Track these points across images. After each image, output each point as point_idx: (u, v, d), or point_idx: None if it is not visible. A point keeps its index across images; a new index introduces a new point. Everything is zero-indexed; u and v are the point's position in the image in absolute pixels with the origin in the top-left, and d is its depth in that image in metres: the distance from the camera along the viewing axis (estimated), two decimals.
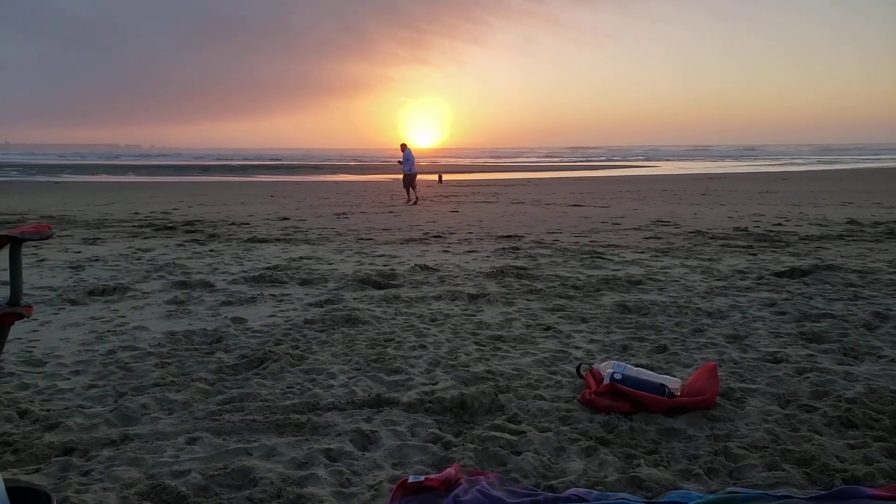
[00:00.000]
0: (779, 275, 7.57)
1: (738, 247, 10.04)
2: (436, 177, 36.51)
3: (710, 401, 3.63)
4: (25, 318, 2.19)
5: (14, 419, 3.53)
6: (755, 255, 9.23)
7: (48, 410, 3.66)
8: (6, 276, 2.42)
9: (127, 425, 3.49)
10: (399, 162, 22.05)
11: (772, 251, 9.53)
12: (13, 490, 2.14)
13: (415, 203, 20.80)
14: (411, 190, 21.70)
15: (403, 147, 22.06)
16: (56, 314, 5.97)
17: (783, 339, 5.00)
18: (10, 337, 4.89)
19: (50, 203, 21.22)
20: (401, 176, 22.22)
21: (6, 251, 2.28)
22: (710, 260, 8.81)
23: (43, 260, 8.98)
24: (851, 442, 3.20)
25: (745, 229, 12.30)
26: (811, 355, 4.58)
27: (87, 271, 8.16)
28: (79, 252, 9.83)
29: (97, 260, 9.07)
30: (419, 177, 23.10)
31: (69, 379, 4.22)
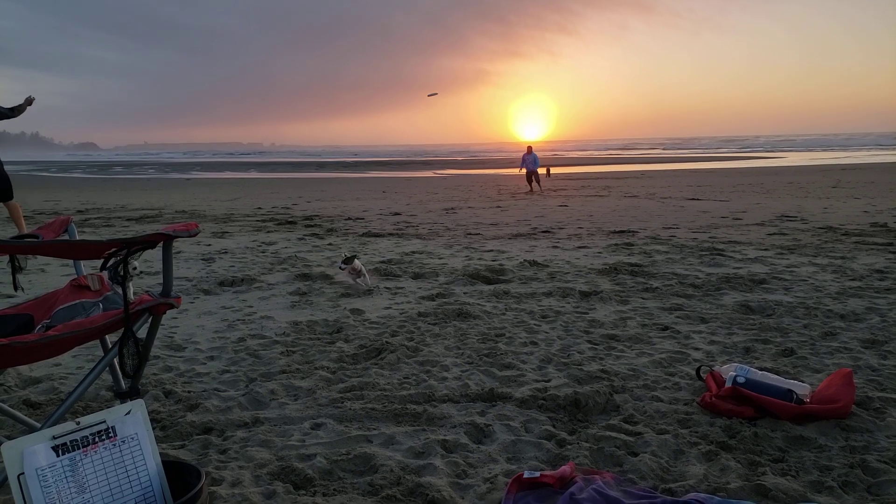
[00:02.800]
0: None
1: (876, 244, 9.28)
2: (543, 170, 35.89)
3: (845, 409, 3.41)
4: (175, 308, 2.41)
5: (161, 398, 3.88)
6: (895, 253, 8.50)
7: (189, 392, 3.99)
8: (149, 267, 2.67)
9: (257, 409, 3.74)
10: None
11: None
12: (168, 464, 2.36)
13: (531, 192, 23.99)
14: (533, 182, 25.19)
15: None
16: (192, 303, 6.46)
17: None
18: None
19: (182, 199, 22.91)
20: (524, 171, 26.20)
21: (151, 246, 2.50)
22: (842, 258, 8.21)
23: (178, 252, 9.72)
24: None
25: (884, 225, 11.34)
26: None
27: (217, 263, 8.76)
28: (209, 245, 10.56)
29: (226, 252, 9.71)
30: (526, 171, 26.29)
31: (205, 364, 4.58)
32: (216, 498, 2.70)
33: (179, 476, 2.34)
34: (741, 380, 3.59)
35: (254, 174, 49.63)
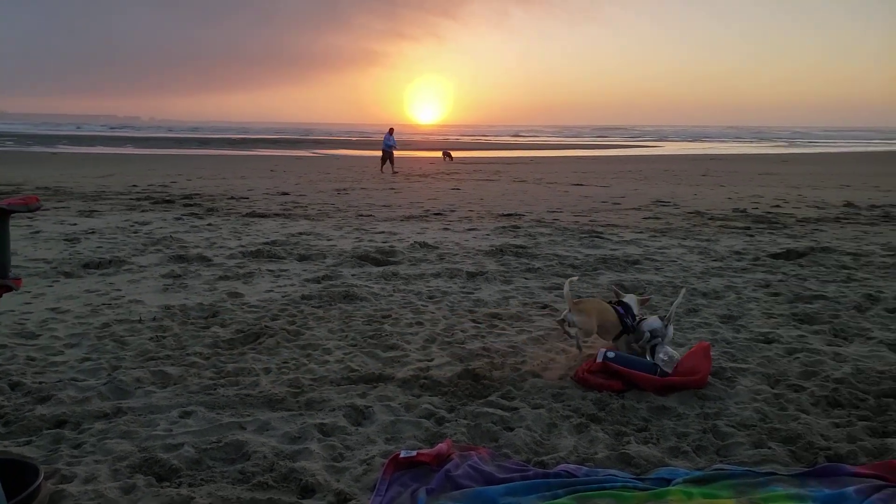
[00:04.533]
0: (775, 256, 7.58)
1: (736, 228, 10.03)
2: (440, 153, 35.84)
3: (702, 380, 3.65)
4: (15, 291, 2.18)
5: (6, 391, 3.55)
6: (752, 236, 9.23)
7: (40, 383, 3.68)
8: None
9: (120, 398, 3.51)
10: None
11: (769, 233, 9.53)
12: (2, 462, 2.15)
13: (383, 172, 24.60)
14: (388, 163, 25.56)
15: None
16: (50, 286, 5.98)
17: (776, 320, 5.02)
18: (2, 309, 4.92)
19: (46, 174, 21.15)
20: (396, 153, 26.52)
21: None
22: (707, 241, 8.81)
23: (37, 232, 8.97)
24: (837, 421, 3.23)
25: (744, 211, 12.28)
26: (802, 336, 4.61)
27: (82, 244, 8.16)
28: (74, 224, 9.82)
29: (93, 232, 9.06)
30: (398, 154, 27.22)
31: (63, 352, 4.24)
32: (64, 496, 2.50)
33: (19, 475, 2.14)
34: (611, 354, 3.76)
35: (130, 150, 46.61)
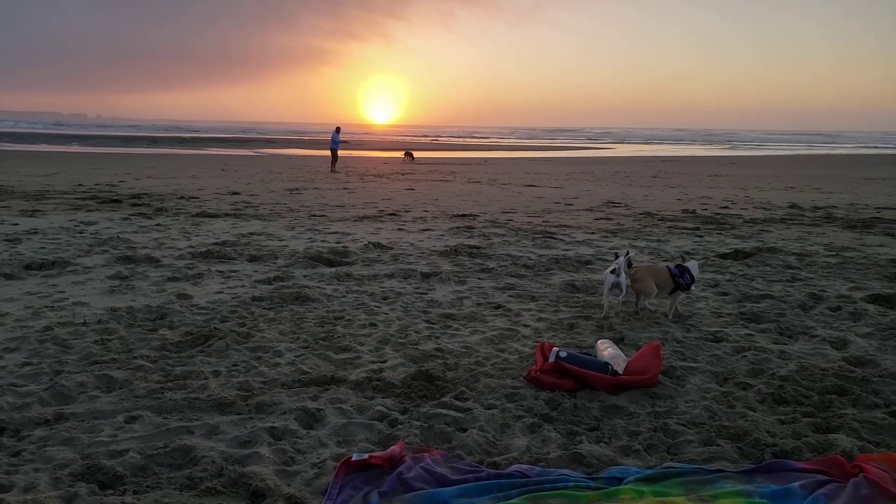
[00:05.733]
0: (723, 256, 7.78)
1: (686, 229, 10.27)
2: (402, 154, 35.68)
3: (653, 379, 3.72)
4: None
5: None
6: (701, 237, 9.46)
7: None
8: None
9: (62, 404, 3.38)
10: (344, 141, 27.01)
11: (717, 233, 9.78)
12: None
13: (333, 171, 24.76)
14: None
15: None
16: None
17: (724, 319, 5.15)
18: None
19: None
20: (340, 152, 27.10)
21: None
22: (657, 241, 8.99)
23: None
24: (782, 417, 3.33)
25: (693, 212, 12.58)
26: (750, 334, 4.74)
27: (24, 244, 7.86)
28: (16, 224, 9.44)
29: (35, 233, 8.73)
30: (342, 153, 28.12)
31: (1, 357, 4.07)
32: None
33: None
34: (563, 354, 3.79)
35: (76, 148, 45.09)
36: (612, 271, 4.96)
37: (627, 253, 5.25)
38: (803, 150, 60.14)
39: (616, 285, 4.96)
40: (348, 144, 27.20)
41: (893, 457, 2.79)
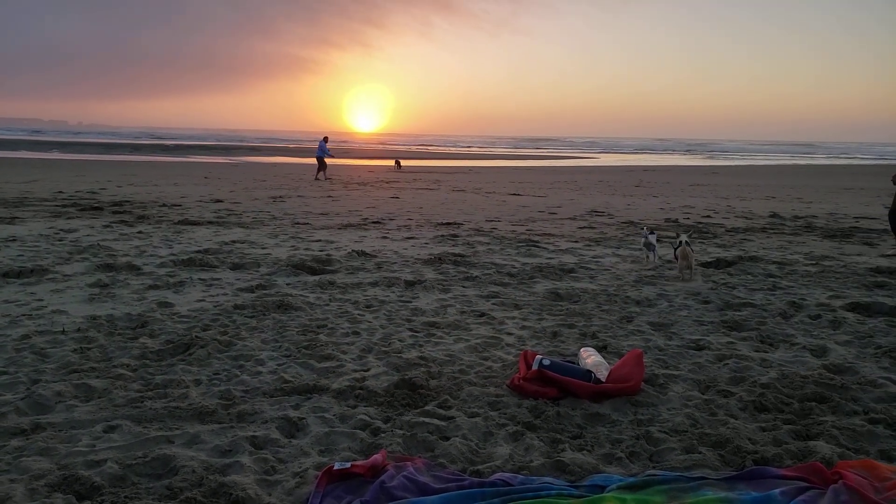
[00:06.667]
0: (705, 265, 7.85)
1: (668, 237, 10.33)
2: (392, 162, 35.73)
3: (635, 387, 3.73)
4: None
5: None
6: None
7: None
8: None
9: (39, 413, 3.33)
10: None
11: (700, 242, 9.86)
12: None
13: (317, 179, 25.06)
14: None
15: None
16: None
17: (706, 327, 5.19)
18: None
19: None
20: (330, 161, 27.66)
21: None
22: (640, 249, 9.03)
23: None
24: (763, 425, 3.35)
25: (676, 220, 12.69)
26: (731, 343, 4.77)
27: (2, 252, 7.75)
28: None
29: (14, 240, 8.61)
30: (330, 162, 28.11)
31: None
32: None
33: None
34: (546, 362, 3.80)
35: (56, 154, 44.58)
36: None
37: (689, 237, 7.22)
38: (784, 160, 60.92)
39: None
40: (332, 157, 27.34)
41: (872, 463, 2.82)
